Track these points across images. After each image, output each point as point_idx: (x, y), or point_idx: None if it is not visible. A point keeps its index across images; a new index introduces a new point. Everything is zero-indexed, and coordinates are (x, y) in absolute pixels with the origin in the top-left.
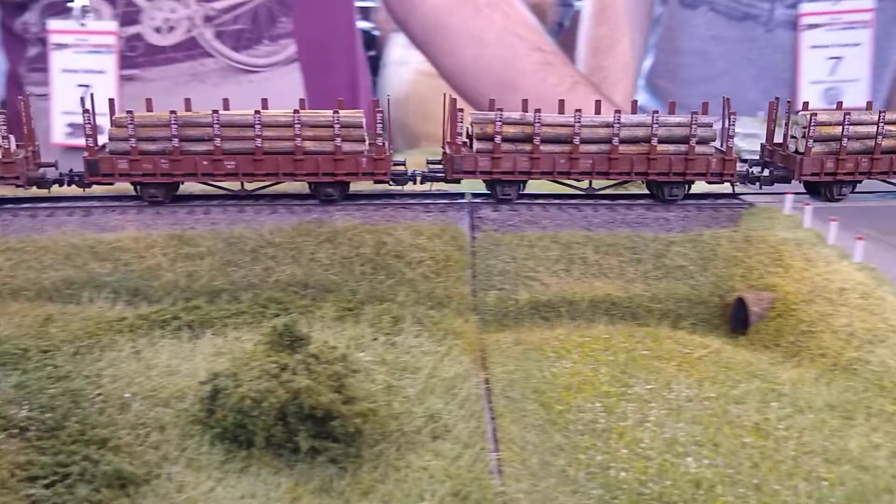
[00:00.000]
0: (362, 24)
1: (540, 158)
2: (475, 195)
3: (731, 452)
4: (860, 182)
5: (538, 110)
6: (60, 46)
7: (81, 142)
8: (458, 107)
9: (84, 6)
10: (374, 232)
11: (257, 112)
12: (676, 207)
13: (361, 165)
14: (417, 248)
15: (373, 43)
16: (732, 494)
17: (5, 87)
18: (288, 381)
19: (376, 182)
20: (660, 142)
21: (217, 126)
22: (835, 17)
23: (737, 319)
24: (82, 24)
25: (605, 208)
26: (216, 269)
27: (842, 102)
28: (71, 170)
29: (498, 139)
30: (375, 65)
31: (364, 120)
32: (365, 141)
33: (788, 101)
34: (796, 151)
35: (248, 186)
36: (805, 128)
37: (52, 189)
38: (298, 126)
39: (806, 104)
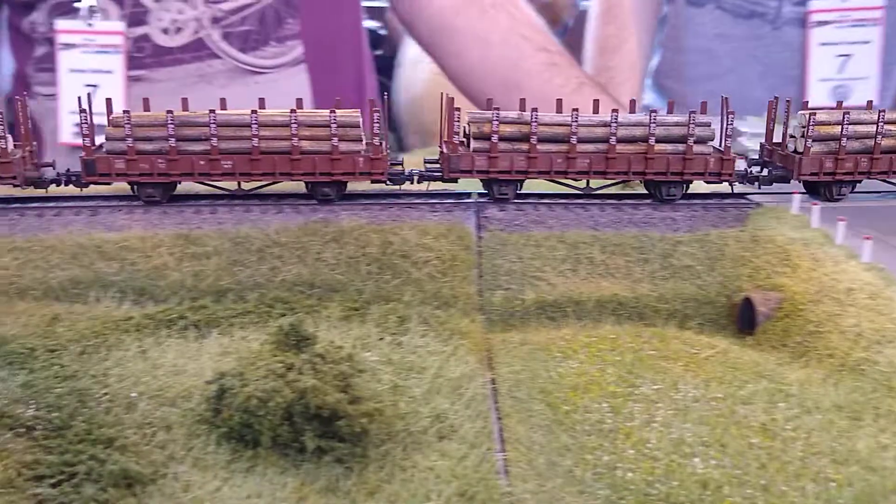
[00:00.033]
0: (369, 24)
1: (537, 158)
2: (481, 195)
3: (739, 453)
4: (860, 182)
5: (535, 109)
6: (68, 46)
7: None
8: (455, 106)
9: (91, 6)
10: (380, 231)
11: (254, 112)
12: (683, 207)
13: (358, 165)
14: (423, 248)
15: (380, 42)
16: (740, 495)
17: (13, 87)
18: (294, 381)
19: (373, 182)
20: (657, 141)
21: (214, 126)
22: (844, 15)
23: (744, 319)
24: (90, 25)
25: (611, 208)
26: (222, 268)
27: (842, 102)
28: (68, 169)
29: (495, 138)
30: (387, 64)
31: (361, 119)
32: (362, 140)
33: (788, 101)
34: (795, 151)
35: (245, 186)
36: (804, 127)
37: (49, 189)
38: (295, 126)
39: (805, 103)
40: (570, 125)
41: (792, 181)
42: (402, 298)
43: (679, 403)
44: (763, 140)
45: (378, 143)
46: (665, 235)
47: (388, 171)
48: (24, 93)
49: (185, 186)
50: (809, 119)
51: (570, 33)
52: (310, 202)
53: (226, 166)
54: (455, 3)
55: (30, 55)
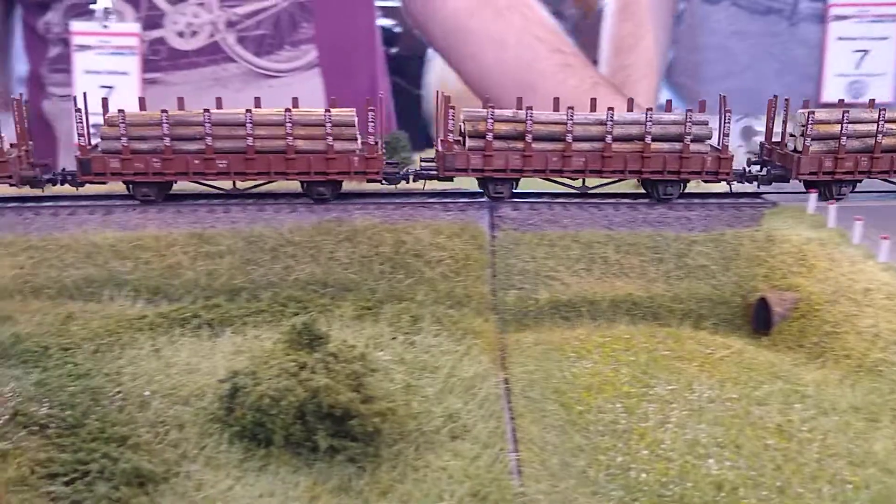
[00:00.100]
0: (384, 22)
1: (532, 156)
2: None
3: (754, 454)
4: (860, 181)
5: (530, 108)
6: (83, 48)
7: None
8: (450, 104)
9: (107, 8)
10: (394, 231)
11: (248, 111)
12: (698, 206)
13: (353, 164)
14: (437, 247)
15: (395, 40)
16: (755, 497)
17: (27, 88)
18: (307, 380)
19: (369, 181)
20: (654, 140)
21: (208, 125)
22: (863, 10)
23: (759, 320)
24: (105, 26)
25: (626, 207)
26: (236, 267)
27: (843, 100)
28: (63, 169)
29: (490, 137)
30: (403, 63)
31: (356, 119)
32: (357, 140)
33: (787, 99)
34: (794, 150)
35: (241, 185)
36: (803, 126)
37: (45, 188)
38: (290, 125)
39: (806, 102)
40: (566, 123)
41: (791, 180)
42: (415, 298)
43: (694, 404)
44: (764, 139)
45: (373, 143)
46: (680, 235)
47: (383, 170)
48: (21, 93)
49: (184, 185)
50: (808, 118)
51: (586, 33)
52: (322, 202)
53: (221, 165)
54: (469, 5)
55: (44, 55)
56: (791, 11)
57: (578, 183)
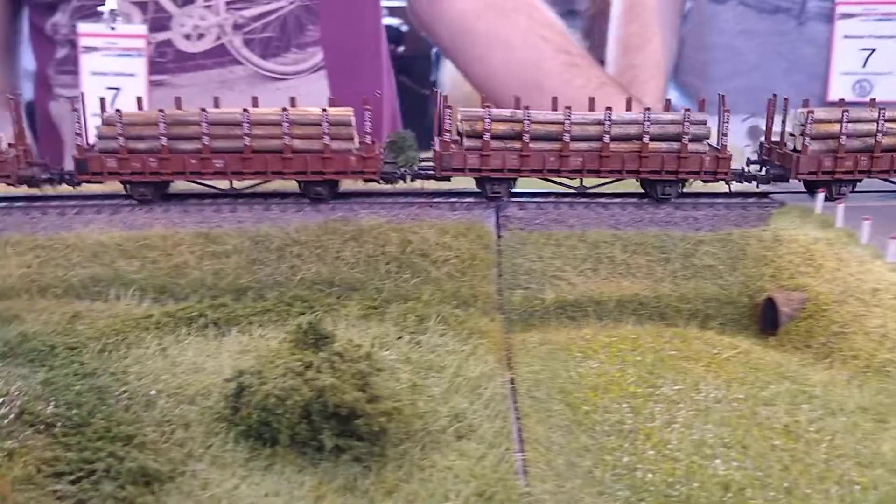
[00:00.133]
0: (391, 21)
1: (529, 156)
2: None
3: (761, 455)
4: (860, 181)
5: (527, 107)
6: (89, 49)
7: None
8: (447, 103)
9: (113, 10)
10: (400, 230)
11: (245, 110)
12: (705, 206)
13: (350, 164)
14: (443, 247)
15: (402, 39)
16: (762, 498)
17: (34, 89)
18: (312, 379)
19: (366, 181)
20: (652, 139)
21: (205, 124)
22: (870, 8)
23: (766, 320)
24: (112, 28)
25: (633, 206)
26: (242, 267)
27: (843, 99)
28: (61, 168)
29: (487, 136)
30: (406, 62)
31: (353, 118)
32: (354, 139)
33: (786, 98)
34: (794, 150)
35: (237, 185)
36: (802, 125)
37: (42, 188)
38: (287, 124)
39: (805, 101)
40: (563, 123)
41: (790, 180)
42: (421, 297)
43: (700, 404)
44: (763, 138)
45: (371, 142)
46: (687, 235)
47: (380, 169)
48: (19, 92)
49: (185, 185)
50: (807, 117)
51: (601, 30)
52: (331, 201)
53: (217, 165)
54: (476, 6)
55: (51, 56)
56: (799, 10)
57: (576, 183)
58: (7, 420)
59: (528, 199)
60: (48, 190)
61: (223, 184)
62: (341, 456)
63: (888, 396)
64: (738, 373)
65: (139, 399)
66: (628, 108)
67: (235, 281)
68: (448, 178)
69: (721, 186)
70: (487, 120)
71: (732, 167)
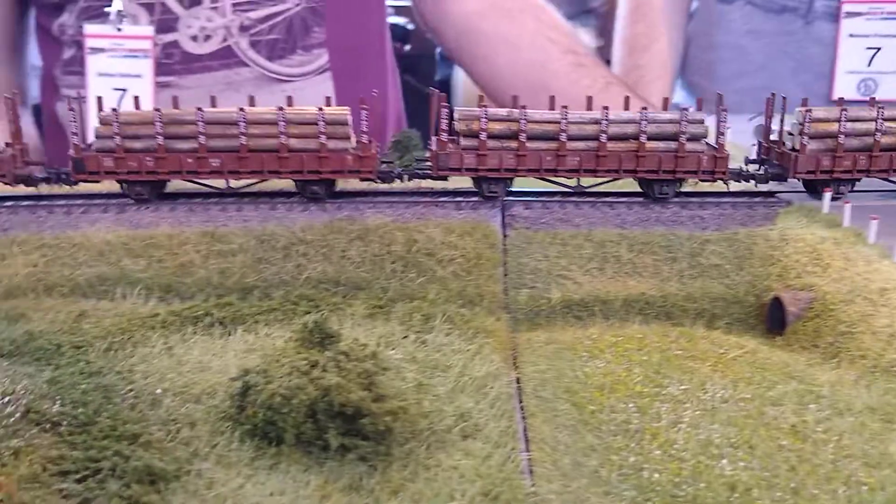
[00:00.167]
0: (396, 20)
1: (526, 156)
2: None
3: (768, 455)
4: (859, 180)
5: (524, 107)
6: (96, 51)
7: None
8: (444, 103)
9: (120, 10)
10: (405, 229)
11: (241, 109)
12: (711, 205)
13: (347, 163)
14: (448, 246)
15: (407, 38)
16: (769, 498)
17: (40, 90)
18: (318, 379)
19: (363, 180)
20: (649, 138)
21: (202, 124)
22: (875, 7)
23: (773, 319)
24: (119, 29)
25: (639, 206)
26: (248, 266)
27: (842, 98)
28: (58, 168)
29: (483, 136)
30: (412, 61)
31: (349, 117)
32: (350, 138)
33: (784, 97)
34: (792, 149)
35: (234, 184)
36: (800, 124)
37: (39, 187)
38: (283, 123)
39: (805, 100)
40: (560, 122)
41: (788, 179)
42: (427, 296)
43: (707, 404)
44: (761, 137)
45: (367, 141)
46: (693, 234)
47: (377, 169)
48: (16, 91)
49: (185, 185)
50: (805, 116)
51: (607, 32)
52: (336, 200)
53: (214, 164)
54: (481, 7)
55: (58, 57)
56: (807, 10)
57: (574, 182)
58: (13, 418)
59: (534, 199)
60: (45, 189)
61: (220, 183)
62: (347, 455)
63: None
64: (744, 372)
65: (145, 398)
66: (626, 108)
67: (241, 280)
68: (445, 178)
69: (721, 185)
70: (484, 119)
71: (736, 166)
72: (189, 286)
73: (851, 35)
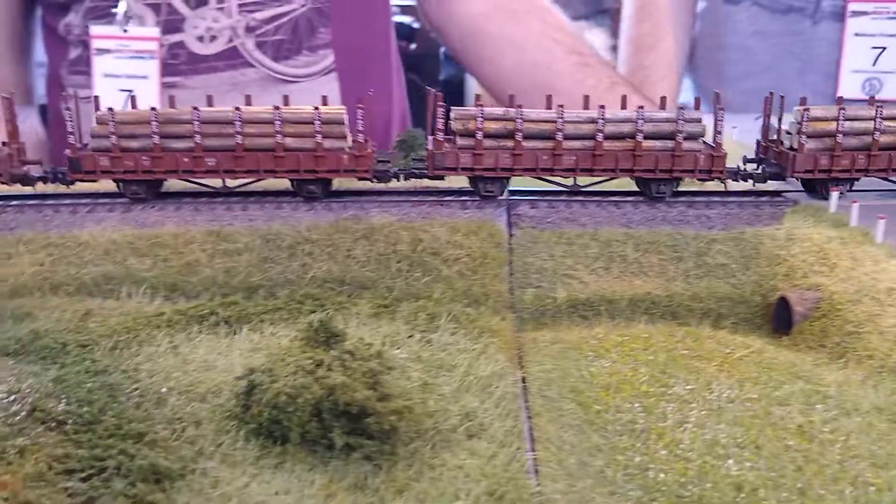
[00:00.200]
0: (401, 19)
1: (522, 155)
2: (512, 192)
3: (774, 455)
4: (857, 180)
5: (520, 106)
6: (102, 51)
7: None
8: (440, 102)
9: (126, 11)
10: (411, 229)
11: (237, 109)
12: (717, 205)
13: (343, 162)
14: (454, 246)
15: (413, 37)
16: (776, 498)
17: (46, 89)
18: (323, 378)
19: (359, 179)
20: (646, 138)
21: (197, 123)
22: (881, 6)
23: (780, 319)
24: (125, 30)
25: (645, 205)
26: (253, 265)
27: (842, 98)
28: (54, 167)
29: (479, 135)
30: (417, 60)
31: (346, 117)
32: (346, 138)
33: (782, 96)
34: (790, 148)
35: (230, 183)
36: (798, 123)
37: (35, 186)
38: (279, 123)
39: (804, 99)
40: (556, 122)
41: (787, 179)
42: (432, 296)
43: (713, 404)
44: (760, 136)
45: (363, 141)
46: (699, 233)
47: (373, 168)
48: (12, 91)
49: (181, 184)
50: (803, 115)
51: (613, 34)
52: (342, 199)
53: (210, 163)
54: (488, 9)
55: (64, 56)
56: (813, 10)
57: (570, 181)
58: (19, 417)
59: (540, 198)
60: (41, 189)
61: (216, 182)
62: (352, 454)
63: None
64: (751, 372)
65: (150, 397)
66: (624, 106)
67: (247, 279)
68: (441, 177)
69: (734, 184)
70: (480, 118)
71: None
72: (194, 285)
73: (857, 34)
